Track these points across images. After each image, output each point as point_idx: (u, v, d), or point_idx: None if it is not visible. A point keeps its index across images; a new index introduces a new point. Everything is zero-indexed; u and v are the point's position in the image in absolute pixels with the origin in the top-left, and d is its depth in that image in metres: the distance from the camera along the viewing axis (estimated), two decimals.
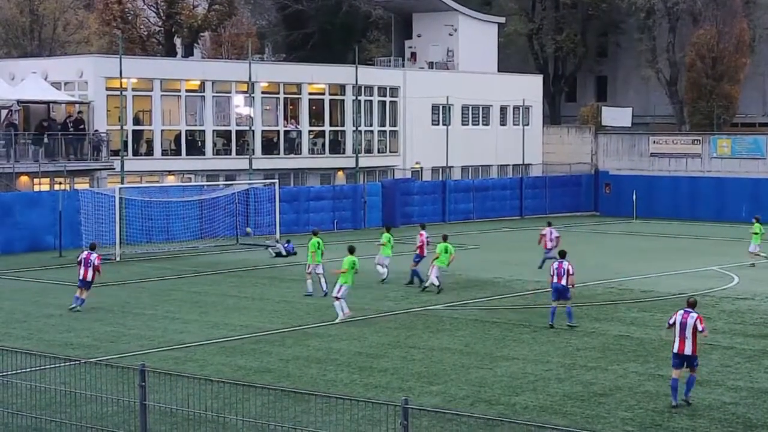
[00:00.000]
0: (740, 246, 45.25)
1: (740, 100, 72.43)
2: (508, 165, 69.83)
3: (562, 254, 31.28)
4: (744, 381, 24.24)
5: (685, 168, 66.97)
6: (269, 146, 59.03)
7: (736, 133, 68.95)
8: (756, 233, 43.66)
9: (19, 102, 52.33)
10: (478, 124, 68.39)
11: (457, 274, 39.60)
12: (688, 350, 22.16)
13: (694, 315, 22.25)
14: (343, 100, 61.44)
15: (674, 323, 22.37)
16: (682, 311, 22.49)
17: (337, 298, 31.13)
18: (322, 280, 34.94)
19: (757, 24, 73.42)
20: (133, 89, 54.84)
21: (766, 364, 25.89)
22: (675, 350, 22.33)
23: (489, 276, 40.03)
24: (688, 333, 22.09)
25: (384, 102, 63.27)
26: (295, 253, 45.76)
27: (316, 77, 60.75)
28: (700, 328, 22.17)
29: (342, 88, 61.26)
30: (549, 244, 41.49)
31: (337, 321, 30.83)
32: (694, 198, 65.39)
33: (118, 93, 52.91)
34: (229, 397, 19.58)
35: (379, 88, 62.86)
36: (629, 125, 74.18)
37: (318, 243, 35.19)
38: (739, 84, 71.43)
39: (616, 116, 74.39)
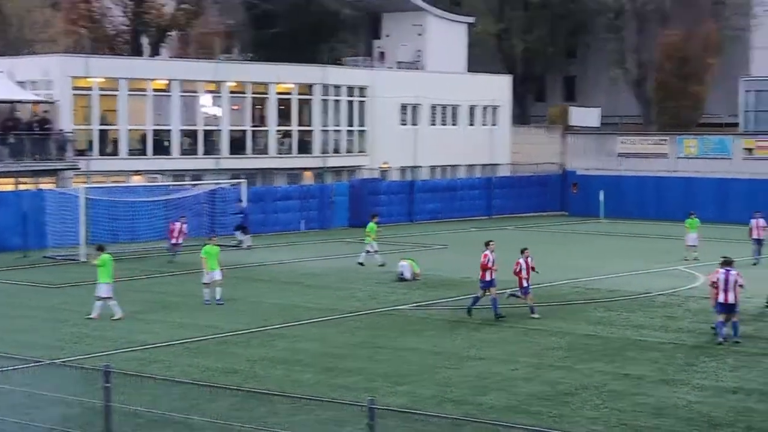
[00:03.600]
0: (706, 246, 45.44)
1: (707, 101, 72.79)
2: (477, 165, 69.85)
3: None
4: (709, 380, 24.31)
5: (652, 168, 67.22)
6: (236, 146, 58.78)
7: (703, 133, 69.23)
8: (689, 227, 44.96)
9: None
10: (446, 124, 68.39)
11: (425, 274, 39.56)
12: (731, 300, 27.63)
13: (734, 272, 27.79)
14: (311, 100, 61.27)
15: (717, 280, 27.62)
16: (723, 270, 27.70)
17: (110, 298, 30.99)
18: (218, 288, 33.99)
19: (725, 25, 73.76)
20: (100, 89, 54.49)
21: (731, 362, 25.98)
22: (721, 300, 27.65)
23: (457, 276, 39.98)
24: (731, 286, 27.56)
25: (352, 102, 63.15)
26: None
27: (284, 77, 60.55)
28: (741, 282, 27.82)
29: (310, 87, 61.09)
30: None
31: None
32: (661, 198, 65.62)
33: (85, 92, 52.62)
34: (194, 398, 19.45)
35: (348, 87, 62.74)
36: (597, 125, 74.42)
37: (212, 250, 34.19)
38: (706, 84, 71.76)
39: (585, 116, 74.60)
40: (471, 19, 73.55)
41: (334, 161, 61.58)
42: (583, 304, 34.08)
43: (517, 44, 79.83)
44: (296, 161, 60.99)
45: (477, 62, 74.03)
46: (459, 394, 22.87)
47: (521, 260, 31.76)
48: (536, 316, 31.37)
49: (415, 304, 33.98)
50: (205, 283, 33.83)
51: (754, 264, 41.74)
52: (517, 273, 31.76)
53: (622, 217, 64.04)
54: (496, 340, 28.53)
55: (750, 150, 64.70)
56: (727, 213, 61.07)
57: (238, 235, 48.71)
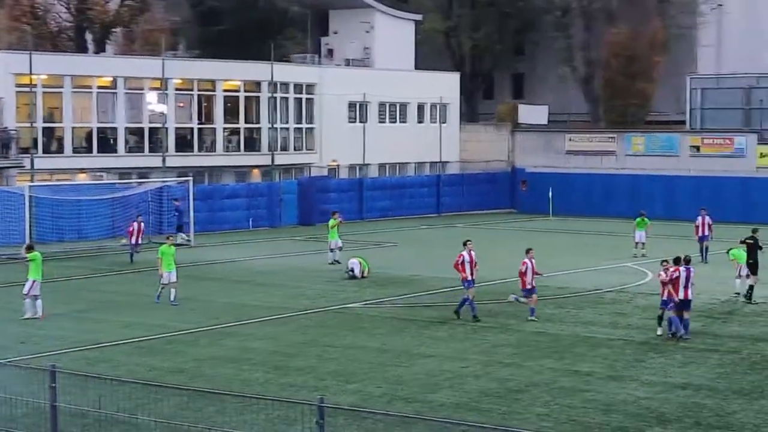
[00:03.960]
0: (654, 243, 45.74)
1: (654, 99, 73.29)
2: (426, 162, 69.85)
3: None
4: (658, 376, 24.41)
5: (600, 165, 67.57)
6: (183, 144, 58.32)
7: (651, 130, 69.76)
8: (638, 225, 45.64)
9: None
10: (395, 122, 68.31)
11: (375, 271, 39.48)
12: (690, 296, 28.23)
13: (692, 269, 28.46)
14: (259, 97, 60.91)
15: (678, 277, 27.97)
16: (683, 268, 28.15)
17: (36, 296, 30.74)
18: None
19: (671, 23, 74.32)
20: (44, 86, 53.83)
21: (679, 358, 26.11)
22: (681, 297, 27.95)
23: (406, 273, 39.96)
24: (690, 283, 28.10)
25: (300, 99, 62.86)
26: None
27: (231, 74, 60.17)
28: (692, 280, 28.46)
29: (257, 85, 60.75)
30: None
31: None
32: (609, 195, 66.00)
33: (28, 90, 51.91)
34: (141, 398, 19.19)
35: (295, 85, 62.45)
36: (546, 123, 74.70)
37: (168, 250, 33.77)
38: (653, 82, 72.27)
39: (533, 114, 74.82)
40: (419, 17, 73.54)
41: (282, 159, 61.27)
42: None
43: (465, 42, 79.97)
44: (244, 159, 60.61)
45: (425, 60, 74.07)
46: (409, 392, 22.82)
47: (527, 260, 31.04)
48: (533, 318, 30.71)
49: (364, 302, 33.88)
50: (164, 284, 33.37)
51: (702, 262, 41.75)
52: (523, 273, 31.10)
53: (570, 215, 64.32)
54: (446, 338, 28.49)
55: (697, 147, 65.23)
56: (674, 210, 61.57)
57: (181, 234, 48.30)
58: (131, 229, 43.35)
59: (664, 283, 28.54)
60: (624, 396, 22.57)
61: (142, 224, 43.94)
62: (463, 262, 30.82)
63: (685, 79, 70.54)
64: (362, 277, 38.44)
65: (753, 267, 34.56)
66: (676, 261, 28.70)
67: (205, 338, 28.41)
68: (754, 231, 36.10)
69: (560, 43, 76.81)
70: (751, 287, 34.17)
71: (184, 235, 48.44)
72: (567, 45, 76.62)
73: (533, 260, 31.02)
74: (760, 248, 35.26)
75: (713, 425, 20.61)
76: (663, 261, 29.10)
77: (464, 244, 31.39)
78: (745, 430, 20.37)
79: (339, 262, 41.37)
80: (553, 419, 20.87)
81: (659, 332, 28.34)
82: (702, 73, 73.13)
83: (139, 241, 43.43)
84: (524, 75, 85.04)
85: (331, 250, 42.48)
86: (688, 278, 28.22)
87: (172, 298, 33.04)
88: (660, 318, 28.58)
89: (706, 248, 42.97)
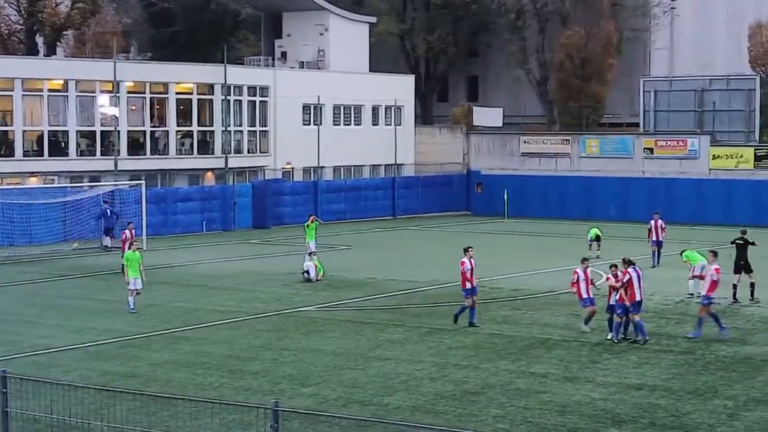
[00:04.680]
0: (609, 244, 45.89)
1: (608, 101, 73.67)
2: (381, 165, 69.77)
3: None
4: (612, 377, 24.44)
5: (555, 167, 67.80)
6: (135, 147, 57.85)
7: (605, 133, 70.08)
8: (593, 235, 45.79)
9: None
10: (349, 124, 68.17)
11: (330, 274, 39.33)
12: (639, 297, 27.94)
13: (640, 270, 28.31)
14: (212, 100, 60.53)
15: (631, 279, 27.71)
16: (632, 269, 27.87)
17: None
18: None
19: (624, 26, 74.77)
20: None
21: (634, 359, 26.16)
22: (639, 299, 27.73)
23: (361, 276, 39.84)
24: (640, 283, 27.99)
25: (254, 102, 62.53)
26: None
27: (184, 76, 59.76)
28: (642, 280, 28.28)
29: (210, 87, 60.34)
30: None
31: None
32: (563, 197, 66.24)
33: None
34: (94, 403, 18.96)
35: (249, 87, 62.11)
36: (500, 125, 74.83)
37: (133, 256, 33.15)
38: (607, 85, 72.65)
39: (488, 116, 74.96)
40: (373, 19, 73.47)
41: (235, 162, 60.91)
42: (488, 303, 34.07)
43: (420, 44, 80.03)
44: (197, 162, 60.22)
45: (380, 62, 74.05)
46: (365, 395, 22.72)
47: (466, 260, 30.20)
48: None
49: (319, 306, 33.71)
50: (131, 290, 32.71)
51: (653, 267, 41.48)
52: (464, 273, 30.24)
53: (525, 217, 64.47)
54: (402, 340, 28.39)
55: (650, 149, 65.59)
56: (628, 212, 61.91)
57: (106, 238, 47.33)
58: (124, 237, 40.64)
59: (614, 288, 28.48)
60: (579, 397, 22.58)
61: (134, 231, 41.65)
62: (464, 272, 29.91)
63: (639, 82, 70.96)
64: (317, 280, 38.26)
65: (746, 267, 34.88)
66: (626, 263, 28.58)
67: (159, 342, 28.15)
68: (743, 232, 36.34)
69: (514, 46, 77.05)
70: (753, 285, 34.39)
71: (108, 240, 47.19)
72: (521, 47, 76.87)
73: (473, 259, 30.35)
74: (753, 244, 35.53)
75: (668, 425, 20.65)
76: (612, 266, 29.00)
77: (465, 251, 30.41)
78: (700, 430, 20.43)
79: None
80: (508, 421, 20.84)
81: (610, 336, 28.30)
82: (655, 75, 73.64)
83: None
84: (479, 77, 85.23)
85: (310, 254, 41.83)
86: (639, 278, 28.19)
87: (132, 306, 32.53)
88: (610, 322, 28.55)
89: (659, 252, 42.56)
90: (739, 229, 37.67)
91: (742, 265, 34.90)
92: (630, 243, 47.44)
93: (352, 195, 64.33)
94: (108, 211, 48.71)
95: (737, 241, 35.68)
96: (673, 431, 20.35)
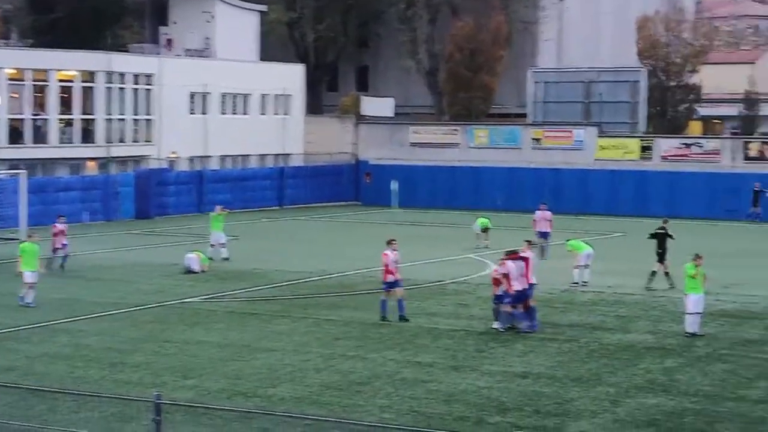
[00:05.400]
0: (497, 234, 46.09)
1: (497, 92, 74.06)
2: (269, 155, 69.18)
3: None
4: (498, 365, 24.47)
5: (444, 157, 67.98)
6: (15, 135, 56.38)
7: (493, 123, 70.52)
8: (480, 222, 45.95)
9: None
10: (237, 113, 67.39)
11: (215, 265, 38.81)
12: (521, 287, 27.83)
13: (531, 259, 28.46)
14: (95, 88, 59.28)
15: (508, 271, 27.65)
16: (510, 262, 27.82)
17: None
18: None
19: (514, 17, 75.26)
20: None
21: (519, 348, 26.23)
22: (518, 288, 27.60)
23: (247, 267, 39.38)
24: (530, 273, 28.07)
25: (138, 90, 61.38)
26: None
27: (66, 64, 58.44)
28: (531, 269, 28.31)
29: (93, 75, 59.11)
30: None
31: None
32: (452, 187, 66.51)
33: None
34: None
35: (133, 75, 60.94)
36: (390, 115, 74.83)
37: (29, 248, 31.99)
38: (496, 76, 73.01)
39: (377, 106, 74.88)
40: (263, 8, 72.77)
41: (119, 151, 59.73)
42: (376, 294, 33.85)
43: (309, 33, 79.52)
44: (79, 151, 58.94)
45: (270, 51, 73.41)
46: (249, 387, 22.42)
47: (389, 252, 29.33)
48: (404, 315, 29.29)
49: (203, 297, 33.20)
50: (26, 283, 31.42)
51: (541, 259, 41.39)
52: (386, 265, 29.51)
53: (415, 206, 64.58)
54: (287, 331, 28.08)
55: (538, 140, 66.20)
56: (516, 202, 62.39)
57: None
58: (55, 231, 38.87)
59: (496, 279, 28.50)
60: (465, 386, 22.54)
61: (65, 225, 39.51)
62: (387, 264, 29.30)
63: (527, 73, 71.53)
64: (201, 271, 37.63)
65: (661, 255, 35.16)
66: (508, 254, 28.55)
67: (37, 335, 27.46)
68: (665, 221, 36.78)
69: (404, 36, 76.99)
70: (667, 273, 34.64)
71: None
72: (411, 38, 76.82)
73: (396, 251, 29.70)
74: (671, 237, 35.82)
75: (552, 413, 20.72)
76: (500, 260, 29.00)
77: (388, 243, 29.82)
78: (583, 416, 20.53)
79: (227, 259, 40.64)
80: (395, 411, 20.71)
81: (495, 325, 28.32)
82: (543, 67, 74.29)
83: (65, 243, 38.84)
84: (369, 67, 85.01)
85: (212, 246, 41.31)
86: (523, 269, 28.09)
87: (29, 300, 31.26)
88: (496, 312, 28.56)
89: (545, 246, 42.33)
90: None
91: (660, 254, 35.27)
92: (518, 233, 47.68)
93: (239, 185, 63.54)
94: None
95: (658, 231, 36.05)
96: (557, 418, 20.40)
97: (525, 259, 28.34)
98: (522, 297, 28.01)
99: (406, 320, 29.14)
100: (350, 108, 73.91)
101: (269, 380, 22.95)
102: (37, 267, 31.76)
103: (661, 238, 35.75)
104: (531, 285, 28.27)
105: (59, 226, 38.74)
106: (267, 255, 43.17)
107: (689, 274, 27.90)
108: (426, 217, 60.10)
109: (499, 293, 28.31)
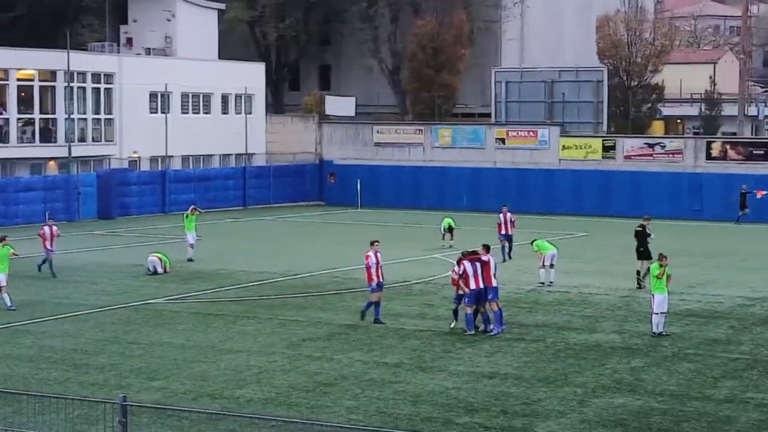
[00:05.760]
0: (461, 234, 46.07)
1: (460, 91, 74.11)
2: (231, 154, 68.82)
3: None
4: (465, 366, 24.41)
5: (408, 157, 67.90)
6: None
7: (457, 123, 70.51)
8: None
9: None
10: (198, 113, 67.00)
11: (178, 266, 38.52)
12: (480, 286, 27.64)
13: (491, 260, 28.20)
14: (54, 87, 58.75)
15: (465, 271, 27.47)
16: (467, 262, 27.62)
17: None
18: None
19: (476, 16, 75.34)
20: None
21: (486, 348, 26.18)
22: (473, 287, 27.41)
23: (212, 268, 39.13)
24: (490, 273, 27.84)
25: (98, 89, 60.88)
26: None
27: (25, 62, 57.88)
28: (493, 270, 28.15)
29: (53, 74, 58.57)
30: None
31: None
32: (416, 187, 66.43)
33: None
34: None
35: (93, 74, 60.45)
36: (353, 114, 74.66)
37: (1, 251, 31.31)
38: (459, 75, 73.07)
39: (340, 105, 74.70)
40: (222, 5, 72.39)
41: (79, 150, 59.18)
42: (342, 294, 33.81)
43: (270, 32, 79.20)
44: (39, 150, 58.42)
45: (230, 50, 73.05)
46: (215, 388, 22.27)
47: (371, 253, 29.01)
48: (381, 319, 29.09)
49: (167, 298, 32.95)
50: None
51: (503, 261, 41.09)
52: (369, 267, 29.13)
53: (379, 206, 64.46)
54: (254, 332, 27.90)
55: (502, 140, 66.23)
56: (480, 201, 62.42)
57: None
58: (42, 233, 37.95)
59: (454, 280, 28.44)
60: (432, 387, 22.47)
61: (54, 227, 38.44)
62: (369, 266, 28.94)
63: (490, 72, 71.59)
64: (165, 272, 37.31)
65: (644, 254, 35.06)
66: (466, 254, 28.41)
67: (0, 337, 27.09)
68: (646, 219, 36.60)
69: (366, 35, 76.87)
70: (648, 270, 34.48)
71: None
72: (373, 36, 76.74)
73: (378, 253, 29.32)
74: (649, 236, 35.81)
75: (519, 413, 20.69)
76: (457, 260, 28.89)
77: (371, 245, 29.52)
78: (550, 417, 20.51)
79: (192, 260, 40.40)
80: (362, 411, 20.63)
81: (453, 324, 28.22)
82: (506, 66, 74.39)
83: (53, 247, 37.90)
84: (331, 66, 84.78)
85: (191, 246, 41.18)
86: (480, 269, 27.75)
87: (9, 304, 30.68)
88: (455, 312, 28.49)
89: (510, 246, 41.67)
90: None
91: (642, 252, 35.26)
92: (482, 233, 47.66)
93: (202, 185, 63.13)
94: None
95: (637, 229, 36.04)
96: (524, 419, 20.37)
97: (484, 263, 28.06)
98: (480, 296, 27.81)
99: (382, 323, 28.95)
100: (313, 107, 73.72)
101: (235, 381, 22.80)
102: (7, 269, 31.17)
103: (641, 235, 35.76)
104: (495, 288, 28.16)
105: (54, 230, 38.00)
106: (232, 255, 42.93)
107: (655, 274, 27.98)
108: (390, 217, 59.97)
109: (461, 293, 28.24)
